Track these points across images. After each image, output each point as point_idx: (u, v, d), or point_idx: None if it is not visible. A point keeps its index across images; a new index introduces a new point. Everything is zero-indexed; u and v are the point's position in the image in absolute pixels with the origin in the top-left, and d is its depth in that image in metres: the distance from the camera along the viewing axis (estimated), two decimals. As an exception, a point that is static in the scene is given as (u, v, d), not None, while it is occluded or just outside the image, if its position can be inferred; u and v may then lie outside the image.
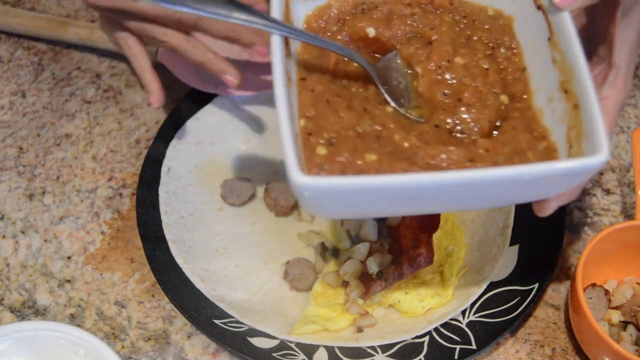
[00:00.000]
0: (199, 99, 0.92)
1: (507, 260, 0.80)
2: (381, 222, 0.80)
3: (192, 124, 0.90)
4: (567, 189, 0.59)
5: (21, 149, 0.94)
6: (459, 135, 0.60)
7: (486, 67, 0.63)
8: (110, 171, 0.92)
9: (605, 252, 0.75)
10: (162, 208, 0.84)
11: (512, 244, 0.81)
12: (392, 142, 0.58)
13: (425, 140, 0.58)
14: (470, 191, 0.54)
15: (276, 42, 0.57)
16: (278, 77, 0.56)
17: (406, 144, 0.58)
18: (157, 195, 0.85)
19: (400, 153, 0.57)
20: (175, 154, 0.88)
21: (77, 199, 0.89)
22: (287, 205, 0.85)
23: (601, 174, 0.90)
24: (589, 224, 0.86)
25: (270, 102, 0.94)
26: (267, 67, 0.93)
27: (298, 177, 0.51)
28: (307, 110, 0.58)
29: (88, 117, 0.97)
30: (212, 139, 0.90)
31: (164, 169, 0.87)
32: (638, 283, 0.78)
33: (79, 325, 0.79)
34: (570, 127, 0.57)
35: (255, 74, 0.93)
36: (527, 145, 0.59)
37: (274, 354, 0.73)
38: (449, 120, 0.61)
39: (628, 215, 0.87)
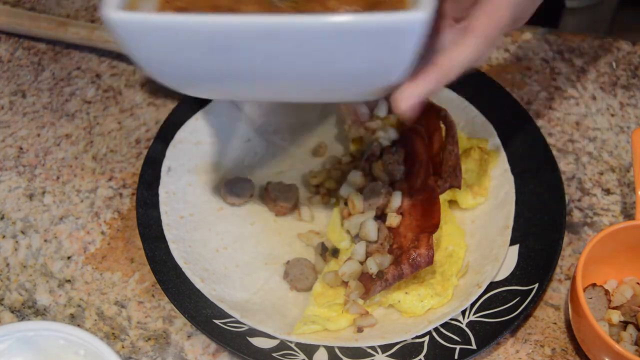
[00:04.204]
0: (199, 99, 0.92)
1: (507, 260, 0.80)
2: (381, 221, 0.80)
3: (192, 124, 0.90)
4: (394, 56, 0.53)
5: (21, 149, 0.94)
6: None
7: None
8: (110, 171, 0.92)
9: (605, 252, 0.75)
10: (162, 208, 0.84)
11: (512, 244, 0.81)
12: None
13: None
14: (275, 45, 0.51)
15: None
16: None
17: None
18: (157, 195, 0.85)
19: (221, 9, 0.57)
20: (175, 154, 0.88)
21: (77, 199, 0.89)
22: (287, 205, 0.85)
23: (601, 174, 0.90)
24: (589, 224, 0.86)
25: (270, 101, 0.94)
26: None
27: (110, 11, 0.50)
28: None
29: (88, 117, 0.97)
30: (212, 139, 0.90)
31: (164, 169, 0.87)
32: (638, 283, 0.78)
33: (79, 325, 0.79)
34: None
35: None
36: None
37: (274, 354, 0.73)
38: None
39: (628, 215, 0.87)
